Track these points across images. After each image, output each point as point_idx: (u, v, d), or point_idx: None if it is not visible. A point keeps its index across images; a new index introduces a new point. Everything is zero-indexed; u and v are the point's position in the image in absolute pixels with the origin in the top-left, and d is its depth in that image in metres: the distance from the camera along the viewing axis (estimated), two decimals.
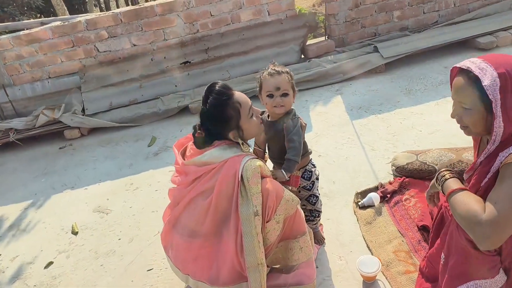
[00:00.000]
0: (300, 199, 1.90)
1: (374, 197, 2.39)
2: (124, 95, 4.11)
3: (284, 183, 1.83)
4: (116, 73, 4.11)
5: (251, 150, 1.78)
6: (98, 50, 4.08)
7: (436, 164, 2.46)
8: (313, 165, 2.06)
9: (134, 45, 4.10)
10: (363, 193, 2.49)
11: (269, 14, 4.14)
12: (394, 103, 3.44)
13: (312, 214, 2.11)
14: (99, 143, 3.80)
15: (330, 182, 2.65)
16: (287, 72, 1.85)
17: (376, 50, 4.03)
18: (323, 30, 6.51)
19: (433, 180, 1.66)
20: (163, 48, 4.12)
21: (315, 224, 2.14)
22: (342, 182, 2.66)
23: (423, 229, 2.16)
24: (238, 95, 1.71)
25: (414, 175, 2.51)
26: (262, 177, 1.66)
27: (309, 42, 4.49)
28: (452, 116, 1.59)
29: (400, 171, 2.55)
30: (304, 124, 1.93)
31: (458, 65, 1.54)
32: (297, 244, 1.76)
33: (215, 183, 1.64)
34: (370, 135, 3.07)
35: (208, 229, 1.68)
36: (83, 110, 4.01)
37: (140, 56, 4.11)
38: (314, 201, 2.08)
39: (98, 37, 4.02)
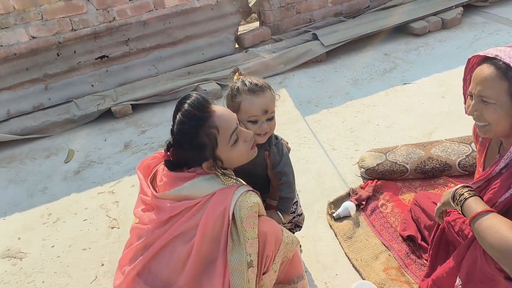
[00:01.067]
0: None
1: (350, 206, 2.15)
2: (26, 99, 3.34)
3: None
4: (12, 73, 3.31)
5: (235, 179, 1.38)
6: None
7: (407, 163, 2.30)
8: None
9: (34, 37, 3.33)
10: (336, 202, 2.24)
11: None
12: (344, 95, 3.25)
13: (291, 230, 1.81)
14: None
15: None
16: (268, 86, 1.45)
17: (315, 37, 3.81)
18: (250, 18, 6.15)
19: (447, 197, 1.43)
20: (72, 41, 3.41)
21: None
22: (309, 190, 2.38)
23: (409, 239, 1.98)
24: (218, 115, 1.29)
25: (385, 177, 2.32)
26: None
27: (241, 29, 4.11)
28: (470, 112, 1.37)
29: (370, 173, 2.35)
30: (288, 145, 1.58)
31: (482, 53, 1.32)
32: None
33: (198, 222, 1.25)
34: (327, 133, 2.83)
35: (186, 279, 1.28)
36: None
37: (42, 50, 3.36)
38: (297, 219, 1.78)
39: None
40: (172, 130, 1.32)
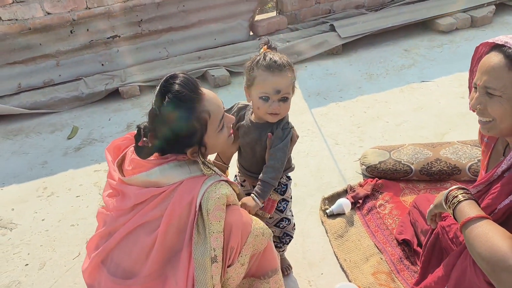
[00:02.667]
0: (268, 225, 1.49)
1: (345, 204, 2.04)
2: (37, 74, 3.37)
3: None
4: (26, 48, 3.33)
5: (214, 170, 1.29)
6: (0, 18, 3.27)
7: (412, 163, 2.16)
8: (289, 177, 1.62)
9: (48, 13, 3.34)
10: (331, 198, 2.13)
11: None
12: (355, 89, 3.10)
13: (282, 240, 1.69)
14: (5, 134, 3.07)
15: None
16: (289, 66, 1.35)
17: (332, 29, 3.67)
18: (269, 5, 6.04)
19: (440, 199, 1.30)
20: (85, 19, 3.41)
21: (282, 251, 1.73)
22: (305, 183, 2.28)
23: (404, 243, 1.85)
24: (209, 99, 1.21)
25: (387, 176, 2.19)
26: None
27: (257, 17, 4.01)
28: (473, 105, 1.24)
29: (371, 171, 2.22)
30: (296, 137, 1.47)
31: (491, 40, 1.19)
32: (266, 286, 1.35)
33: (164, 212, 1.18)
34: (332, 126, 2.71)
35: (150, 270, 1.22)
36: None
37: (56, 27, 3.36)
38: (285, 224, 1.66)
39: (0, 1, 3.21)
40: (152, 113, 1.20)
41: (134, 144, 1.28)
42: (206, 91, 1.24)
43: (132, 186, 1.23)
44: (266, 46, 1.41)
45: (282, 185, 1.58)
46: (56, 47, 3.40)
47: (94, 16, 3.43)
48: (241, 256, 1.24)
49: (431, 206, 1.38)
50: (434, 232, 1.51)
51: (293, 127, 1.47)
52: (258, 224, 1.28)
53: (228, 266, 1.23)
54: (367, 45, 3.66)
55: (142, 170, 1.22)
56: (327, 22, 3.78)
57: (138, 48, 3.53)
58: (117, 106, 3.26)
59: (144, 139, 1.24)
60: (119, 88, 3.30)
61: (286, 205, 1.63)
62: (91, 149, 2.81)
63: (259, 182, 1.41)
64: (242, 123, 1.50)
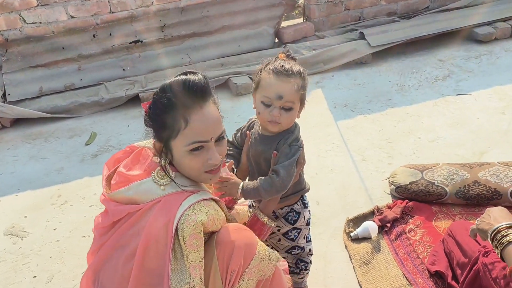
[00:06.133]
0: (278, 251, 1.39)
1: (371, 227, 1.87)
2: (58, 78, 3.35)
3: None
4: (48, 51, 3.33)
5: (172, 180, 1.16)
6: (24, 21, 3.28)
7: (447, 185, 1.97)
8: (305, 204, 1.47)
9: (72, 17, 3.33)
10: (356, 220, 1.97)
11: None
12: (385, 101, 2.93)
13: (298, 266, 1.54)
14: (24, 138, 3.05)
15: (313, 202, 2.09)
16: (300, 75, 1.24)
17: (362, 37, 3.51)
18: (296, 12, 5.91)
19: (485, 229, 1.14)
20: (108, 23, 3.38)
21: (302, 278, 1.58)
22: (328, 202, 2.12)
23: (437, 275, 1.67)
24: (201, 114, 1.10)
25: (419, 198, 2.01)
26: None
27: (283, 24, 3.89)
28: None
29: (401, 191, 2.04)
30: (302, 160, 1.34)
31: None
32: None
33: (141, 232, 1.08)
34: (359, 141, 2.55)
35: None
36: (4, 95, 3.23)
37: (79, 31, 3.35)
38: (297, 252, 1.51)
39: (25, 4, 3.21)
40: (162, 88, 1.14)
41: (129, 155, 1.23)
42: (208, 109, 1.11)
43: (112, 202, 1.16)
44: (283, 54, 1.30)
45: (294, 213, 1.44)
46: (79, 51, 3.39)
47: (117, 20, 3.40)
48: (243, 281, 1.12)
49: (474, 226, 1.22)
50: (474, 268, 1.34)
51: (302, 147, 1.34)
52: (263, 246, 1.17)
53: None
54: (399, 54, 3.48)
55: (124, 185, 1.14)
56: (357, 30, 3.62)
57: (160, 54, 3.47)
58: (137, 112, 3.20)
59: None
60: (140, 94, 3.24)
61: (298, 234, 1.47)
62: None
63: (254, 182, 1.30)
64: (251, 131, 1.40)
